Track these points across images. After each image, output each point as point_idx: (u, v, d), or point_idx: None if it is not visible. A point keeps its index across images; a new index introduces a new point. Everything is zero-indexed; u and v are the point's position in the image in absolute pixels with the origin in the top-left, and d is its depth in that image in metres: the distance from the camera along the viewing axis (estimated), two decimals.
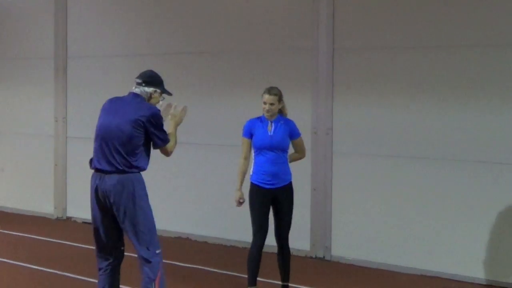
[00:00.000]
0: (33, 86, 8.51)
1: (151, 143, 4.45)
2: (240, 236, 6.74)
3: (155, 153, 4.53)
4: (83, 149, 7.81)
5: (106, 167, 4.31)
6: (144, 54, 7.52)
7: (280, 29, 6.71)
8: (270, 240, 5.08)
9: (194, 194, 7.21)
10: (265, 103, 5.03)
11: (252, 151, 5.11)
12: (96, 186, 4.36)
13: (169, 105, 4.68)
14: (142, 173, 4.43)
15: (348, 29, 6.32)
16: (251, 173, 5.09)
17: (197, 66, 7.20)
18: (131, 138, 4.32)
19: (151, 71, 4.61)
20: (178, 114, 4.66)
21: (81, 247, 6.87)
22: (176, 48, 7.37)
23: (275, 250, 5.14)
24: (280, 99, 5.05)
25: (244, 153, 5.12)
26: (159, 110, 4.48)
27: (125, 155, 4.31)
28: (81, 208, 7.81)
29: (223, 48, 7.09)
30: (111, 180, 4.28)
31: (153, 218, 4.43)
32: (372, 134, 6.23)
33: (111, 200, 4.29)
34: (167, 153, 4.53)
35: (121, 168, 4.31)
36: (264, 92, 5.05)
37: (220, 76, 7.07)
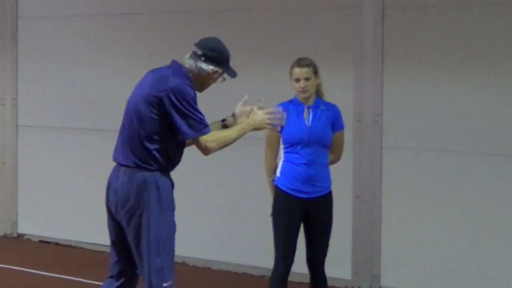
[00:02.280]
0: None
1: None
2: (256, 260, 6.72)
3: None
4: (40, 142, 7.93)
5: (120, 158, 4.35)
6: (122, 14, 7.47)
7: None
8: (298, 266, 5.07)
9: (193, 206, 7.16)
10: (297, 79, 4.98)
11: (281, 147, 5.07)
12: (109, 182, 4.40)
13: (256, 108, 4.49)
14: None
15: None
16: (277, 174, 5.08)
17: (192, 29, 6.99)
18: (145, 122, 4.23)
19: (218, 42, 4.46)
20: (259, 115, 4.44)
21: (38, 274, 6.73)
22: (165, 4, 7.31)
23: (305, 278, 5.11)
24: (316, 72, 5.02)
25: (271, 151, 5.11)
26: (189, 85, 4.27)
27: (140, 145, 4.26)
28: (37, 222, 7.73)
29: (228, 4, 7.02)
30: (123, 176, 4.29)
31: (171, 240, 4.42)
32: (436, 122, 6.17)
33: (116, 202, 4.32)
34: (204, 149, 4.36)
35: (134, 161, 4.27)
36: (294, 66, 5.02)
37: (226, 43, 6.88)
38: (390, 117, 6.32)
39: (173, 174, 7.08)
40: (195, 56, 4.36)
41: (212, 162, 6.92)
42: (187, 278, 6.72)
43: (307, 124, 4.98)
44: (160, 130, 4.24)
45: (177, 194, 7.03)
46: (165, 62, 4.53)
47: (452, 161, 6.11)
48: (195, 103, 4.24)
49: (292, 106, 5.02)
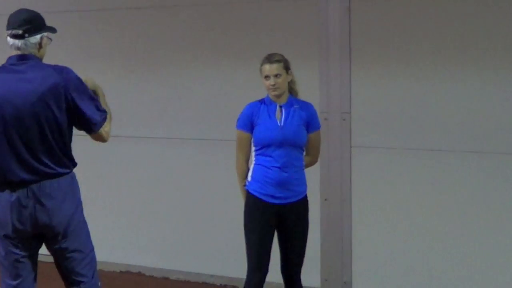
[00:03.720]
0: None
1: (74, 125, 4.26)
2: (217, 269, 6.63)
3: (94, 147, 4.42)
4: None
5: (25, 175, 4.11)
6: (62, 11, 7.14)
7: None
8: (273, 275, 5.00)
9: (149, 210, 6.99)
10: (267, 76, 4.81)
11: (252, 149, 4.89)
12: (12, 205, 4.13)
13: None
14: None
15: None
16: (248, 179, 4.91)
17: (150, 25, 6.88)
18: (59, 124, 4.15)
19: (25, 10, 4.28)
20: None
21: None
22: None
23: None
24: (287, 68, 4.87)
25: (242, 154, 4.92)
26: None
27: (53, 151, 4.14)
28: None
29: None
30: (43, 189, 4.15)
31: None
32: (408, 120, 6.00)
33: (44, 220, 4.13)
34: (103, 138, 4.33)
35: (50, 170, 4.12)
36: (263, 62, 4.86)
37: (187, 39, 6.79)
38: (359, 115, 6.15)
39: (129, 177, 6.89)
40: (16, 38, 4.18)
41: (169, 167, 6.80)
42: None
43: (279, 124, 4.79)
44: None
45: (132, 198, 6.99)
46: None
47: (425, 160, 5.97)
48: None
49: (264, 105, 4.85)
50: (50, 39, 4.35)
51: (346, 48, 6.13)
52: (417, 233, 5.98)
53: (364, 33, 6.09)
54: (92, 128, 4.18)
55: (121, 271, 7.00)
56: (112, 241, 7.01)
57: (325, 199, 6.22)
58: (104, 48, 7.00)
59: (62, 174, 4.16)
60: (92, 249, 4.40)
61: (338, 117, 6.18)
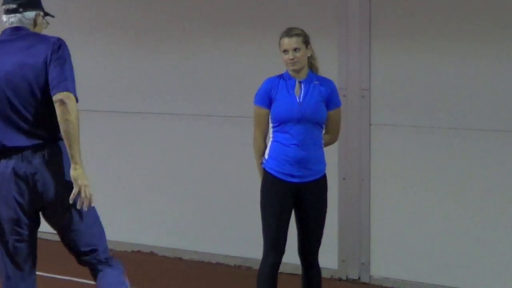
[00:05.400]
0: None
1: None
2: (231, 250, 6.62)
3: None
4: None
5: (18, 141, 4.03)
6: None
7: None
8: (289, 256, 4.89)
9: (161, 191, 6.96)
10: (286, 50, 4.71)
11: (270, 126, 4.80)
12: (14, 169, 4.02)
13: None
14: None
15: None
16: (265, 157, 4.81)
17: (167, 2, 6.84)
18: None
19: None
20: None
21: None
22: None
23: (298, 270, 5.04)
24: (307, 42, 4.77)
25: (260, 130, 4.81)
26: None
27: (47, 116, 4.01)
28: None
29: None
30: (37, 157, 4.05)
31: None
32: (428, 97, 5.95)
33: (41, 189, 4.04)
34: (65, 104, 3.90)
35: (45, 134, 4.03)
36: (282, 36, 4.76)
37: (203, 16, 6.72)
38: (378, 92, 6.11)
39: (142, 155, 6.85)
40: (10, 12, 4.15)
41: (183, 144, 6.74)
42: (155, 269, 6.65)
43: (298, 100, 4.68)
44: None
45: (143, 179, 6.93)
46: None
47: (445, 138, 5.91)
48: None
49: (282, 81, 4.74)
50: (47, 22, 4.31)
51: (366, 23, 6.09)
52: (437, 214, 5.93)
53: (384, 8, 6.04)
54: (57, 86, 3.94)
55: (132, 251, 7.01)
56: (123, 220, 7.00)
57: (343, 178, 6.20)
58: (112, 23, 6.95)
59: (57, 140, 4.02)
60: (96, 220, 4.21)
61: (357, 94, 6.15)
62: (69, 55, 4.04)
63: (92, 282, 4.31)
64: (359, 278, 6.19)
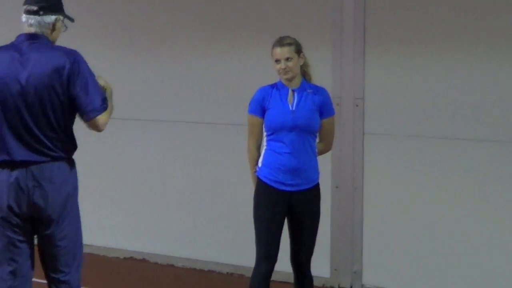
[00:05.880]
0: None
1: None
2: (224, 257, 6.58)
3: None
4: None
5: (25, 155, 4.05)
6: None
7: None
8: (281, 264, 4.93)
9: (154, 197, 6.94)
10: (278, 60, 4.76)
11: (264, 134, 4.82)
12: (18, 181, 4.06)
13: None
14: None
15: None
16: (259, 165, 4.83)
17: (160, 3, 6.80)
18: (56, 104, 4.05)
19: None
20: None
21: None
22: None
23: (289, 278, 5.08)
24: (299, 51, 4.80)
25: (254, 139, 4.84)
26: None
27: (56, 133, 4.08)
28: None
29: None
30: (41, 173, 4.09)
31: None
32: (422, 106, 5.92)
33: (40, 203, 4.06)
34: (98, 126, 4.13)
35: (51, 152, 4.06)
36: (274, 46, 4.80)
37: (198, 22, 6.71)
38: (372, 101, 6.09)
39: (134, 162, 6.85)
40: (31, 13, 4.11)
41: (175, 151, 6.75)
42: (147, 276, 6.60)
43: (290, 108, 4.70)
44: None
45: (135, 186, 6.92)
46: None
47: (438, 147, 5.89)
48: None
49: (276, 90, 4.78)
50: (66, 26, 4.27)
51: (360, 32, 6.07)
52: (430, 223, 5.91)
53: (378, 17, 6.02)
54: (87, 113, 4.03)
55: (124, 258, 6.97)
56: (116, 227, 6.97)
57: (336, 187, 6.17)
58: (112, 28, 6.94)
59: (62, 158, 4.08)
60: (81, 243, 4.30)
61: (351, 103, 6.13)
62: (87, 67, 4.06)
63: None
64: (351, 287, 6.17)
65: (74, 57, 4.03)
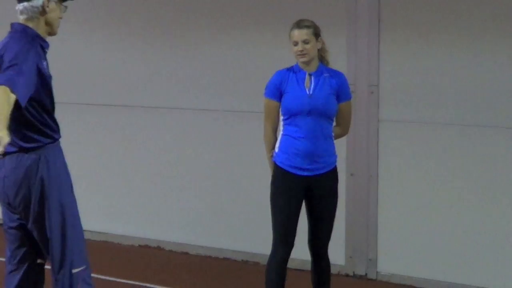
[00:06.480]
0: None
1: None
2: (238, 245, 6.58)
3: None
4: None
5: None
6: None
7: None
8: (296, 251, 4.88)
9: (168, 184, 6.92)
10: (295, 42, 4.71)
11: (281, 119, 4.79)
12: None
13: None
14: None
15: None
16: (275, 150, 4.80)
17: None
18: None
19: None
20: None
21: None
22: None
23: (304, 265, 5.11)
24: (317, 34, 4.75)
25: (270, 123, 4.80)
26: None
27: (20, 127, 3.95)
28: None
29: None
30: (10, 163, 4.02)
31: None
32: (437, 93, 5.91)
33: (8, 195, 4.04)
34: None
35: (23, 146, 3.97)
36: (292, 28, 4.76)
37: (210, 9, 6.68)
38: (387, 88, 6.07)
39: (150, 149, 6.83)
40: (20, 2, 4.00)
41: (189, 138, 6.72)
42: (162, 264, 6.62)
43: (307, 92, 4.67)
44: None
45: (150, 174, 6.90)
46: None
47: (453, 134, 5.88)
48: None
49: (292, 73, 4.73)
50: (65, 6, 4.14)
51: (375, 17, 6.04)
52: (445, 210, 5.89)
53: (393, 4, 6.00)
54: None
55: (139, 245, 6.97)
56: (130, 215, 6.97)
57: (351, 174, 6.16)
58: (124, 18, 6.91)
59: (32, 149, 3.97)
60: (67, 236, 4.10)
61: (365, 89, 6.11)
62: (14, 53, 3.78)
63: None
64: (366, 274, 6.17)
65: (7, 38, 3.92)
